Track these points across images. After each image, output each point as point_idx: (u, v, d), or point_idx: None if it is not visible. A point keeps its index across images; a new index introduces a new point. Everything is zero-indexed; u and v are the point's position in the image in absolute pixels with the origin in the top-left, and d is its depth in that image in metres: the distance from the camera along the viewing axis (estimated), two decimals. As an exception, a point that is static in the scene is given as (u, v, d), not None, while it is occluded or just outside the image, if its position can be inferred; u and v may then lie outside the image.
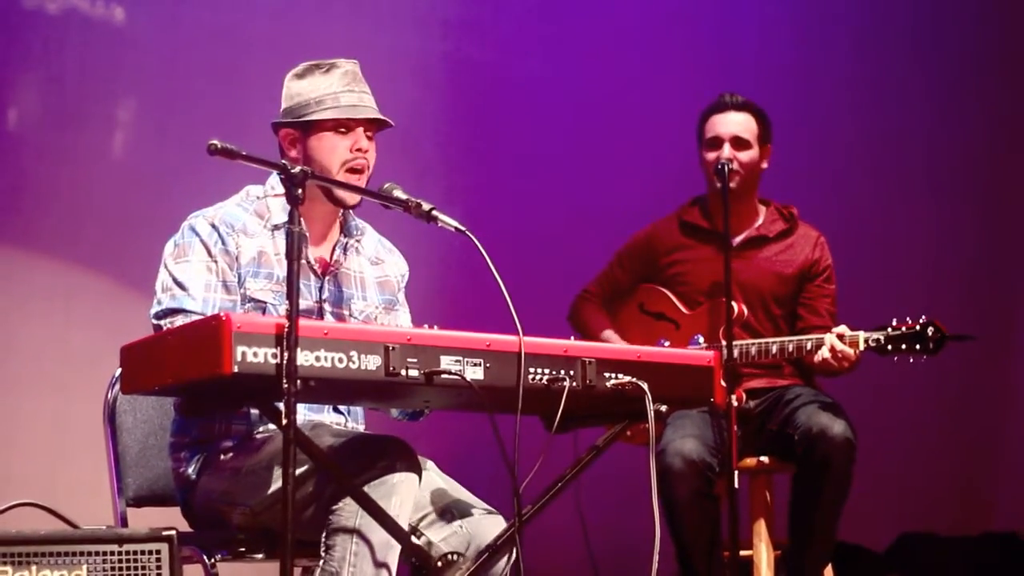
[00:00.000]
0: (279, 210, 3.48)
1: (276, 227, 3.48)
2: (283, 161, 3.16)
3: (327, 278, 3.54)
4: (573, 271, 5.17)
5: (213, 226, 3.44)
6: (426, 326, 3.13)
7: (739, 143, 4.74)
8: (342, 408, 3.55)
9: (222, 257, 3.42)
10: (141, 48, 5.46)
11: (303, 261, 3.46)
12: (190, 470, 3.43)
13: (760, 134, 4.78)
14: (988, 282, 6.65)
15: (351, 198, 3.50)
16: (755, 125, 4.78)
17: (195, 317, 3.27)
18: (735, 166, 4.67)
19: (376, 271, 3.66)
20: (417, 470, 3.23)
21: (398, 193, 3.35)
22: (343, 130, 3.49)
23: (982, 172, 6.71)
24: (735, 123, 4.76)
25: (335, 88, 3.48)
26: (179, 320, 3.31)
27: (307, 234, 3.49)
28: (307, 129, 3.49)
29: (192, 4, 5.55)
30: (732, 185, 4.64)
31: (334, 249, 3.58)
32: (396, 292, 3.69)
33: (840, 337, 4.46)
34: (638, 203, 5.44)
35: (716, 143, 4.75)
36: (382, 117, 3.51)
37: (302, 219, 3.43)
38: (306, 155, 3.47)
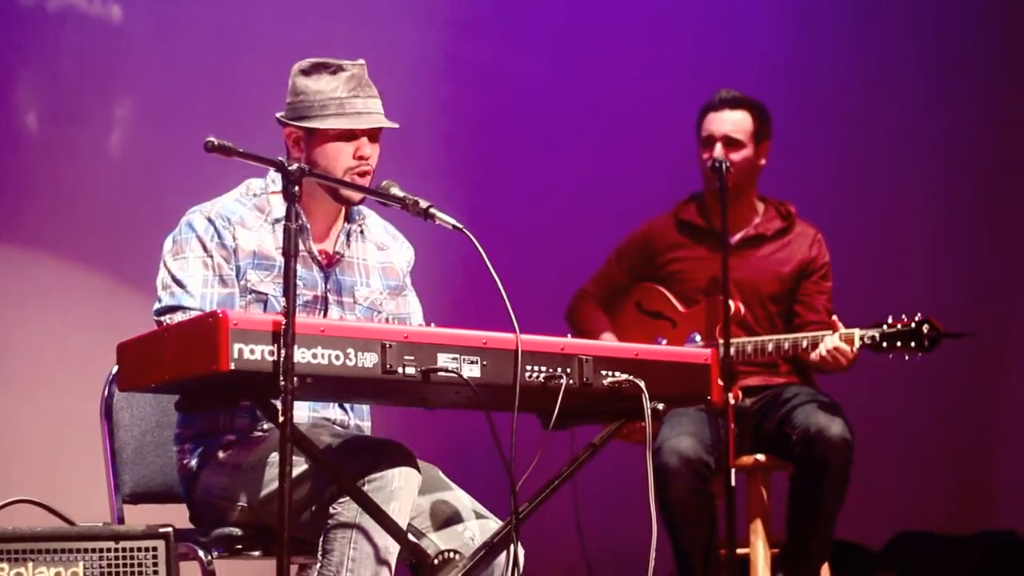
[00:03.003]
0: (280, 205, 3.48)
1: (278, 220, 3.47)
2: (280, 158, 3.16)
3: (331, 268, 3.54)
4: (571, 269, 5.16)
5: (209, 220, 3.44)
6: (423, 323, 3.13)
7: (731, 143, 4.73)
8: (345, 404, 3.54)
9: (218, 251, 3.42)
10: (138, 45, 5.44)
11: (305, 253, 3.47)
12: (193, 462, 3.43)
13: (756, 132, 4.76)
14: (985, 280, 6.64)
15: (356, 196, 3.50)
16: (750, 123, 4.76)
17: (193, 314, 3.27)
18: (727, 166, 4.65)
19: (381, 256, 3.65)
20: (415, 475, 3.22)
21: (395, 191, 3.35)
22: (347, 135, 3.48)
23: (981, 171, 6.70)
24: (728, 122, 4.74)
25: (340, 93, 3.46)
26: (178, 317, 3.31)
27: (308, 226, 3.50)
28: (311, 132, 3.48)
29: (189, 1, 5.54)
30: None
31: (337, 239, 3.58)
32: (402, 277, 3.68)
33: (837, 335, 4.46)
34: (638, 200, 5.44)
35: (709, 142, 4.74)
36: (387, 125, 3.50)
37: (304, 213, 3.45)
38: (310, 157, 3.45)
